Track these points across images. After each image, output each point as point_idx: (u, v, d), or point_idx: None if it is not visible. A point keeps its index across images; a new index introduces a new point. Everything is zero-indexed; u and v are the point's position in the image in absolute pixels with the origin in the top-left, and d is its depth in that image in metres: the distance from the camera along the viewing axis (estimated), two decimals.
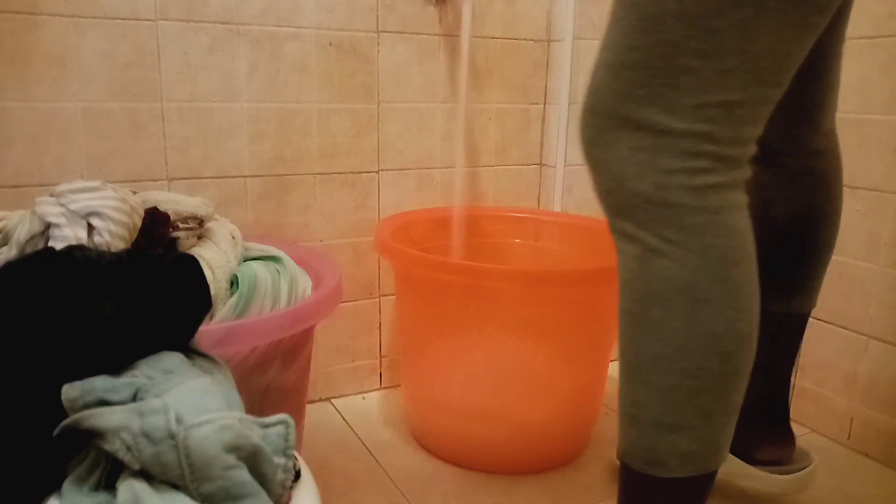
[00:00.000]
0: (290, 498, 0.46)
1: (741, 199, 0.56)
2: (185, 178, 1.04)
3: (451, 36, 1.19)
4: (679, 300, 0.55)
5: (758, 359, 0.65)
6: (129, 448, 0.41)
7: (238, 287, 0.77)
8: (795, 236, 0.83)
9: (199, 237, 0.84)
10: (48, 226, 0.67)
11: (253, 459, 0.43)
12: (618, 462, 0.70)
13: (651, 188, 0.54)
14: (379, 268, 1.23)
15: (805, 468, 0.89)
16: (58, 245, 0.64)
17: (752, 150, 0.57)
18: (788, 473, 0.88)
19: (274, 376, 0.78)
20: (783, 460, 0.89)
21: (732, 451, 0.88)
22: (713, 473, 0.60)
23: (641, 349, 0.58)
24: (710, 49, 0.50)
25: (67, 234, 0.66)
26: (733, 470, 0.91)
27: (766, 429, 0.90)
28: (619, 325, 0.60)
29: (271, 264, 0.84)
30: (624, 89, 0.54)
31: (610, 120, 0.55)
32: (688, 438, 0.57)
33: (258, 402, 0.77)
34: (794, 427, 1.00)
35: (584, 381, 1.05)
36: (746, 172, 0.57)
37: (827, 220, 0.82)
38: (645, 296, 0.56)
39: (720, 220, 0.54)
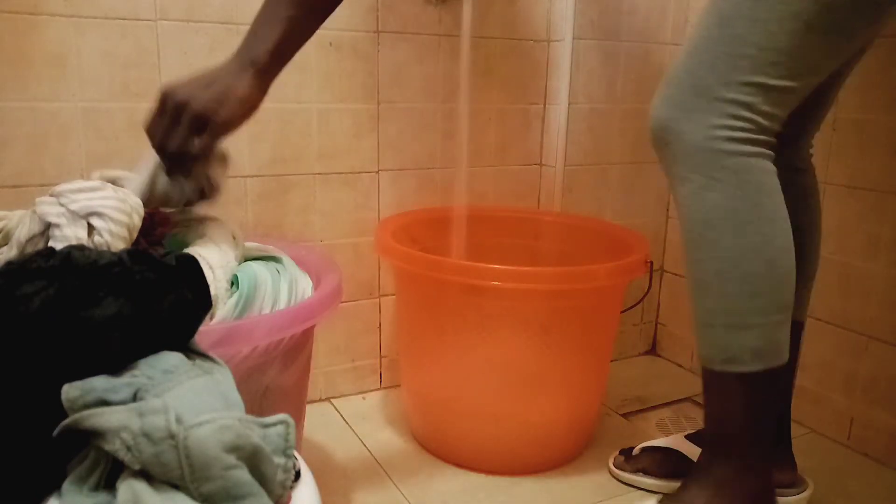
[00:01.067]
0: (290, 498, 0.47)
1: (768, 159, 0.73)
2: None
3: (451, 36, 1.19)
4: (726, 223, 0.72)
5: None
6: (129, 448, 0.41)
7: (238, 287, 0.77)
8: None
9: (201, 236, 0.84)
10: (48, 226, 0.67)
11: (253, 459, 0.43)
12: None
13: (701, 139, 0.71)
14: (379, 268, 1.23)
15: (802, 492, 0.93)
16: (58, 245, 0.64)
17: (778, 127, 0.73)
18: (785, 496, 0.92)
19: (274, 376, 0.78)
20: (782, 484, 0.92)
21: None
22: (780, 371, 0.75)
23: (704, 266, 0.74)
24: (766, 45, 0.67)
25: (67, 234, 0.66)
26: None
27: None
28: (684, 253, 0.76)
29: (271, 264, 0.84)
30: (692, 66, 0.72)
31: (678, 89, 0.73)
32: (754, 335, 0.73)
33: (258, 402, 0.77)
34: (795, 427, 1.01)
35: (584, 381, 1.05)
36: (773, 142, 0.73)
37: (813, 231, 0.90)
38: (700, 223, 0.73)
39: (752, 163, 0.71)
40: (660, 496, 0.87)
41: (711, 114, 0.70)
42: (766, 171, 0.73)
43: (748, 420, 0.77)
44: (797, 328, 0.90)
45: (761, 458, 0.79)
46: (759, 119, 0.71)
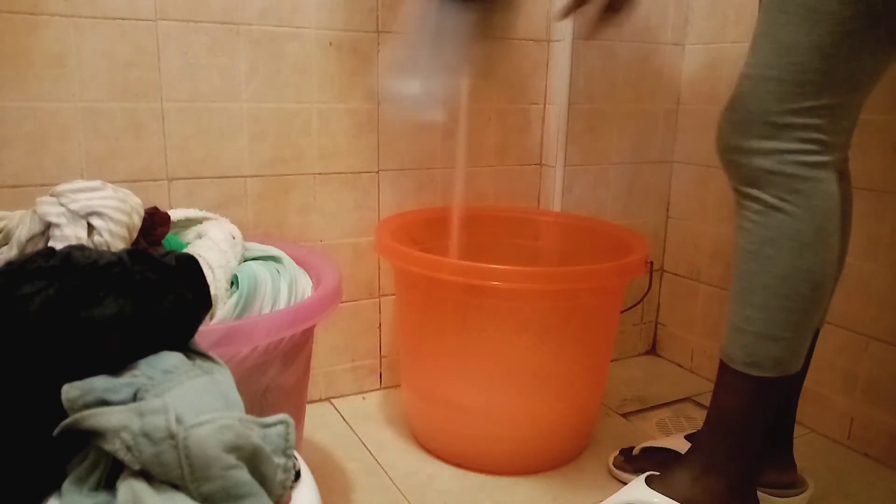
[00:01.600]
0: (290, 498, 0.47)
1: (835, 180, 0.76)
2: (184, 178, 1.04)
3: None
4: (788, 243, 0.75)
5: None
6: (129, 448, 0.41)
7: (238, 287, 0.77)
8: None
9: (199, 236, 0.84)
10: (48, 225, 0.67)
11: (253, 459, 0.43)
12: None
13: (774, 164, 0.74)
14: (379, 268, 1.23)
15: (802, 492, 0.94)
16: (58, 245, 0.64)
17: (848, 139, 0.79)
18: (785, 497, 0.93)
19: (274, 376, 0.78)
20: (782, 484, 0.94)
21: None
22: (793, 376, 0.80)
23: (754, 278, 0.77)
24: (826, 68, 0.70)
25: (68, 234, 0.66)
26: None
27: (770, 455, 0.94)
28: (736, 261, 0.80)
29: (271, 264, 0.84)
30: (760, 95, 0.74)
31: (746, 116, 0.75)
32: (780, 346, 0.78)
33: (258, 402, 0.77)
34: (795, 427, 1.01)
35: (584, 381, 1.05)
36: (842, 155, 0.79)
37: (846, 238, 0.91)
38: (762, 239, 0.76)
39: (822, 187, 0.74)
40: (648, 473, 0.89)
41: (782, 140, 0.73)
42: (832, 194, 0.75)
43: (752, 414, 0.82)
44: (815, 334, 0.92)
45: (753, 450, 0.83)
46: (828, 138, 0.74)
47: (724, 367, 0.82)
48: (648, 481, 0.87)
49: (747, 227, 0.77)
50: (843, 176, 0.90)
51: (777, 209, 0.75)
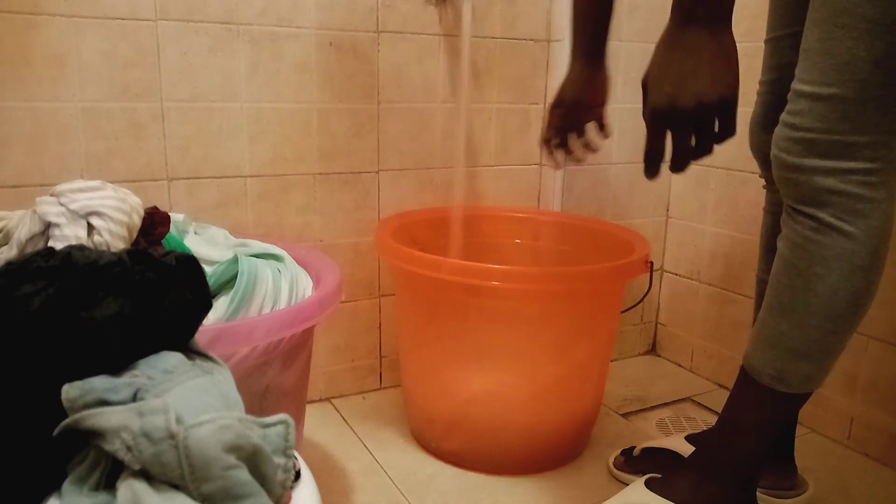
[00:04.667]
0: (290, 498, 0.46)
1: (892, 196, 0.73)
2: (185, 178, 1.04)
3: (451, 36, 1.19)
4: (839, 263, 0.72)
5: None
6: (129, 448, 0.41)
7: (236, 284, 0.77)
8: None
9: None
10: (48, 225, 0.67)
11: (253, 459, 0.43)
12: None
13: (836, 183, 0.71)
14: (379, 268, 1.23)
15: (802, 494, 0.94)
16: (58, 245, 0.64)
17: None
18: (786, 499, 0.93)
19: (274, 376, 0.78)
20: (783, 487, 0.94)
21: None
22: (812, 393, 0.79)
23: (797, 295, 0.74)
24: (888, 83, 0.67)
25: (67, 234, 0.66)
26: None
27: (771, 458, 0.94)
28: (777, 274, 0.77)
29: (272, 262, 0.84)
30: (822, 113, 0.70)
31: (808, 135, 0.71)
32: (810, 365, 0.76)
33: (258, 402, 0.77)
34: (796, 429, 1.01)
35: (584, 381, 1.05)
36: None
37: None
38: (813, 257, 0.73)
39: (881, 208, 0.72)
40: (648, 476, 0.89)
41: (846, 159, 0.70)
42: (890, 216, 0.73)
43: (769, 427, 0.81)
44: None
45: (760, 460, 0.82)
46: (890, 155, 0.71)
47: (746, 379, 0.80)
48: (649, 484, 0.87)
49: (799, 242, 0.74)
50: None
51: (834, 229, 0.72)
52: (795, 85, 0.72)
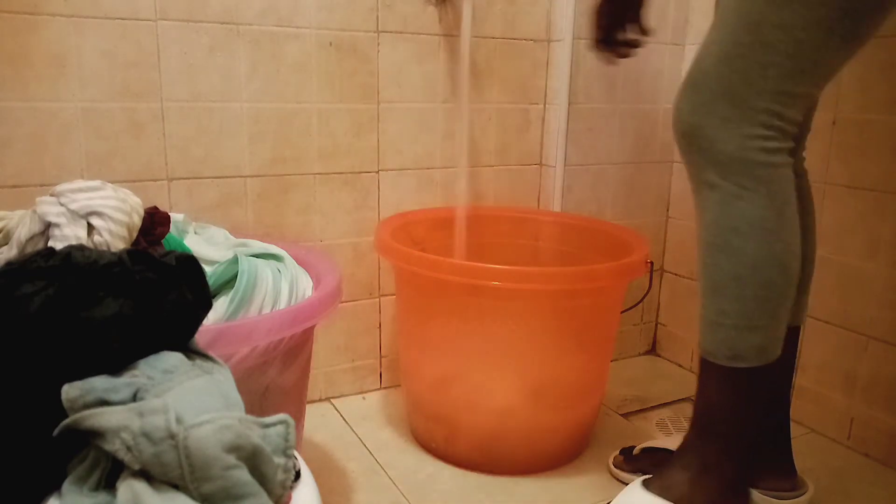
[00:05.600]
0: (290, 498, 0.47)
1: (790, 166, 0.76)
2: (185, 178, 1.04)
3: (451, 36, 1.19)
4: (753, 231, 0.74)
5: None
6: (129, 448, 0.41)
7: (236, 284, 0.77)
8: None
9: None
10: (48, 225, 0.67)
11: (253, 459, 0.43)
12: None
13: (735, 148, 0.72)
14: (379, 268, 1.23)
15: (802, 494, 0.94)
16: (58, 245, 0.64)
17: (797, 132, 0.76)
18: (786, 500, 0.93)
19: (274, 376, 0.78)
20: (783, 488, 0.94)
21: None
22: (774, 364, 0.80)
23: (724, 270, 0.76)
24: (794, 53, 0.69)
25: (67, 234, 0.66)
26: None
27: (769, 460, 0.94)
28: (701, 255, 0.78)
29: (272, 262, 0.84)
30: (725, 74, 0.71)
31: (710, 96, 0.72)
32: (760, 335, 0.77)
33: (258, 402, 0.77)
34: (795, 427, 1.01)
35: (584, 381, 1.05)
36: (798, 148, 0.79)
37: (810, 234, 0.91)
38: (726, 229, 0.75)
39: (781, 173, 0.74)
40: (644, 477, 0.89)
41: (745, 123, 0.71)
42: (790, 180, 0.75)
43: (741, 408, 0.81)
44: (794, 333, 0.92)
45: (745, 445, 0.83)
46: (787, 126, 0.73)
47: (706, 364, 0.82)
48: (646, 484, 0.87)
49: (709, 217, 0.76)
50: (803, 175, 0.91)
51: (738, 198, 0.73)
52: (701, 48, 0.74)
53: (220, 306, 0.75)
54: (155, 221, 0.77)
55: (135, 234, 0.72)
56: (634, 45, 1.01)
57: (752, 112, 0.71)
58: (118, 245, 0.69)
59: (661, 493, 0.84)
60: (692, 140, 0.75)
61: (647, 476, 0.88)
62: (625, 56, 1.00)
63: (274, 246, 0.89)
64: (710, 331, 0.79)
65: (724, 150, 0.72)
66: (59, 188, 0.70)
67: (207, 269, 0.70)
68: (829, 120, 1.10)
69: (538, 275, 0.93)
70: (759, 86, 0.70)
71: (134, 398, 0.44)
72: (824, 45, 0.69)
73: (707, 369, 0.82)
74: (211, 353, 0.53)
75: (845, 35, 0.70)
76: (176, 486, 0.41)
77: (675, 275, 1.45)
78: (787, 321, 0.80)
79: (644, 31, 1.01)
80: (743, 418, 0.82)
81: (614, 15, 0.97)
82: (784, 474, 0.94)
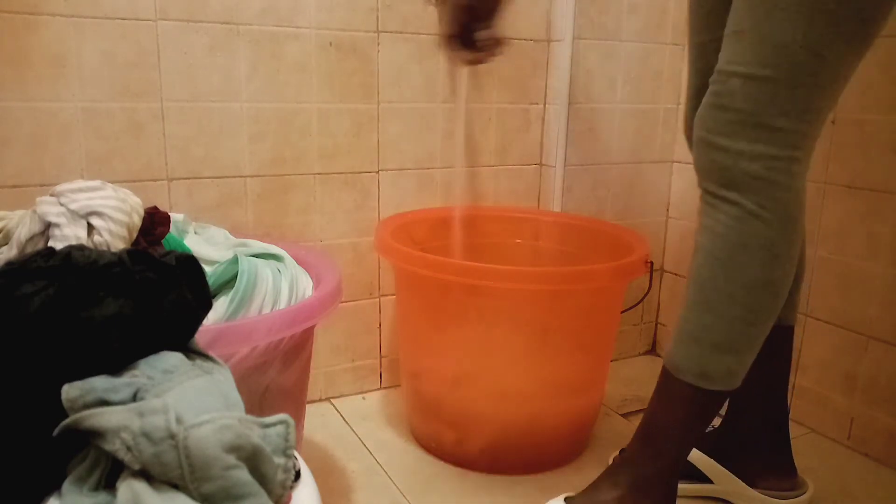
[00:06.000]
0: (290, 498, 0.46)
1: (805, 185, 0.75)
2: (185, 178, 1.04)
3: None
4: (761, 253, 0.72)
5: (756, 378, 0.82)
6: (129, 448, 0.41)
7: (236, 284, 0.77)
8: None
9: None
10: (48, 225, 0.67)
11: (253, 459, 0.43)
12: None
13: (760, 169, 0.71)
14: (379, 268, 1.23)
15: (802, 494, 0.94)
16: (58, 245, 0.64)
17: (815, 144, 0.75)
18: (786, 499, 0.93)
19: (274, 376, 0.78)
20: (783, 488, 0.94)
21: (737, 474, 0.95)
22: (733, 391, 0.78)
23: (718, 286, 0.74)
24: (819, 70, 0.68)
25: (67, 234, 0.66)
26: (736, 490, 0.95)
27: (769, 460, 0.94)
28: (698, 267, 0.76)
29: (272, 262, 0.84)
30: (753, 95, 0.70)
31: (737, 116, 0.71)
32: (734, 359, 0.76)
33: (258, 402, 0.77)
34: (795, 427, 1.01)
35: (584, 381, 1.05)
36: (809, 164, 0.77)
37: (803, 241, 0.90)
38: (734, 246, 0.73)
39: (800, 198, 0.74)
40: (567, 495, 0.88)
41: (772, 144, 0.70)
42: (804, 205, 0.74)
43: (692, 429, 0.80)
44: (789, 332, 0.92)
45: (680, 467, 0.82)
46: (812, 143, 0.72)
47: (669, 379, 0.79)
48: (568, 502, 0.85)
49: (720, 231, 0.74)
50: None
51: (756, 216, 0.72)
52: (725, 66, 0.72)
53: (220, 306, 0.75)
54: (155, 221, 0.77)
55: (135, 234, 0.72)
56: (494, 45, 0.94)
57: (781, 134, 0.70)
58: (118, 245, 0.69)
59: None
60: (716, 158, 0.73)
61: (569, 494, 0.87)
62: (481, 60, 0.95)
63: (274, 246, 0.89)
64: (686, 345, 0.77)
65: (748, 170, 0.71)
66: (59, 188, 0.70)
67: (207, 269, 0.70)
68: (829, 120, 1.10)
69: (538, 275, 0.93)
70: (788, 107, 0.69)
71: (134, 398, 0.44)
72: (845, 57, 0.69)
73: (668, 384, 0.79)
74: (211, 353, 0.53)
75: (861, 43, 0.69)
76: (176, 486, 0.41)
77: (675, 275, 1.45)
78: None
79: (496, 36, 0.94)
80: (691, 440, 0.81)
81: (478, 10, 0.90)
82: (784, 474, 0.95)
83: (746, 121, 0.70)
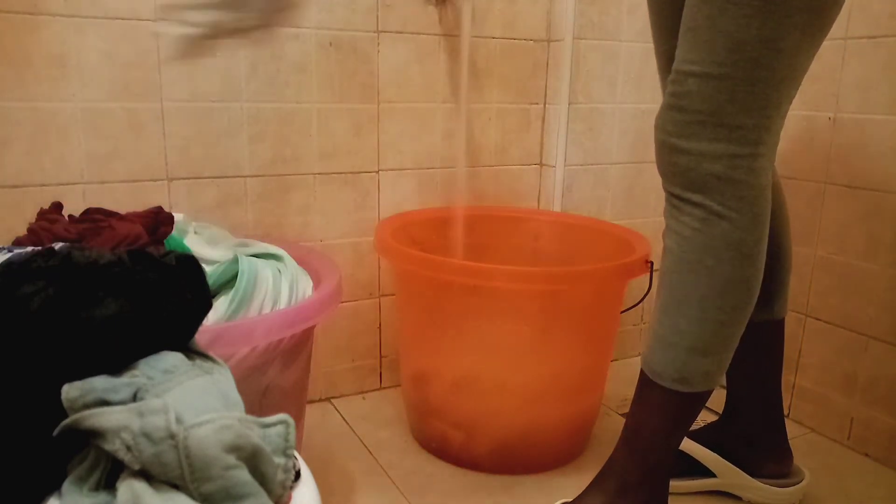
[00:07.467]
0: (290, 498, 0.47)
1: (771, 182, 0.74)
2: (184, 178, 1.04)
3: (451, 36, 1.19)
4: (730, 253, 0.71)
5: (751, 373, 0.86)
6: (129, 448, 0.41)
7: (236, 284, 0.77)
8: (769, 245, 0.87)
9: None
10: None
11: (253, 459, 0.43)
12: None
13: (723, 169, 0.70)
14: (379, 268, 1.23)
15: (801, 481, 0.95)
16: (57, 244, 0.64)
17: (777, 141, 0.74)
18: (787, 486, 0.94)
19: (274, 376, 0.78)
20: (783, 474, 0.95)
21: (740, 466, 0.96)
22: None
23: (690, 289, 0.73)
24: (777, 64, 0.67)
25: None
26: (739, 482, 0.96)
27: (768, 449, 0.95)
28: (668, 271, 0.76)
29: (272, 262, 0.84)
30: (710, 94, 0.68)
31: (696, 117, 0.70)
32: (711, 361, 0.75)
33: (258, 402, 0.77)
34: (795, 427, 1.01)
35: (584, 381, 1.05)
36: (773, 159, 0.75)
37: (785, 225, 0.91)
38: (702, 248, 0.72)
39: (765, 195, 0.72)
40: (562, 501, 0.88)
41: (734, 143, 0.69)
42: (769, 202, 0.73)
43: (674, 433, 0.80)
44: (779, 325, 0.92)
45: (667, 469, 0.82)
46: (773, 139, 0.72)
47: (647, 384, 0.78)
48: None
49: (687, 234, 0.74)
50: (777, 183, 0.90)
51: (721, 217, 0.71)
52: (680, 66, 0.70)
53: (220, 306, 0.75)
54: (159, 221, 0.77)
55: None
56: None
57: (742, 131, 0.69)
58: None
59: None
60: (678, 160, 0.72)
61: (565, 501, 0.88)
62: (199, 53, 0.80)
63: (274, 246, 0.89)
64: (661, 350, 0.76)
65: (711, 171, 0.70)
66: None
67: (207, 269, 0.70)
68: (830, 120, 1.10)
69: (538, 275, 0.93)
70: (748, 103, 0.68)
71: (134, 398, 0.44)
72: (801, 48, 0.68)
73: (648, 388, 0.79)
74: (211, 353, 0.53)
75: (818, 31, 0.69)
76: (176, 486, 0.41)
77: None
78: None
79: None
80: (674, 442, 0.80)
81: None
82: (780, 459, 0.95)
83: (706, 121, 0.69)
